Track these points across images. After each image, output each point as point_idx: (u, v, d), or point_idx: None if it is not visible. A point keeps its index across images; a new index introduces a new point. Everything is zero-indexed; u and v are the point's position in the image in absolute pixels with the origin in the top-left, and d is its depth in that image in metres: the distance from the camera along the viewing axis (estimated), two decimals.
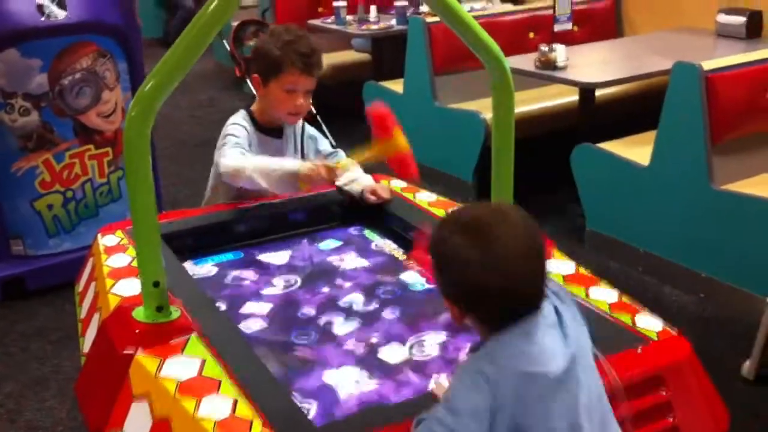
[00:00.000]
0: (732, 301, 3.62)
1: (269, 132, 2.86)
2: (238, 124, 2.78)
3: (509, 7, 5.94)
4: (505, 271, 1.44)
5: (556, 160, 4.36)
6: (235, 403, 1.66)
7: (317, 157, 2.87)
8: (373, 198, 2.73)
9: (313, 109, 4.68)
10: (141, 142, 1.82)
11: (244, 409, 1.64)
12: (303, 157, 2.91)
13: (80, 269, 2.52)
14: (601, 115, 4.66)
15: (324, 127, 4.14)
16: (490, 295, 1.45)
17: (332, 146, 3.02)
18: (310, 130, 2.98)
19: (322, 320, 2.19)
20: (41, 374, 3.30)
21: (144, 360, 1.83)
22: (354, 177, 2.78)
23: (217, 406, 1.66)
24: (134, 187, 1.86)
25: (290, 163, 2.63)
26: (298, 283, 2.40)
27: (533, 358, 1.44)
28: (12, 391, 3.21)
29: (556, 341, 1.48)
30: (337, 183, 2.75)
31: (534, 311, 1.48)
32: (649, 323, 1.98)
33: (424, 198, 2.76)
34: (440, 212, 2.62)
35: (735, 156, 3.76)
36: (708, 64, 3.64)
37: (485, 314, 1.50)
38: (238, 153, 2.65)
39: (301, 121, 2.93)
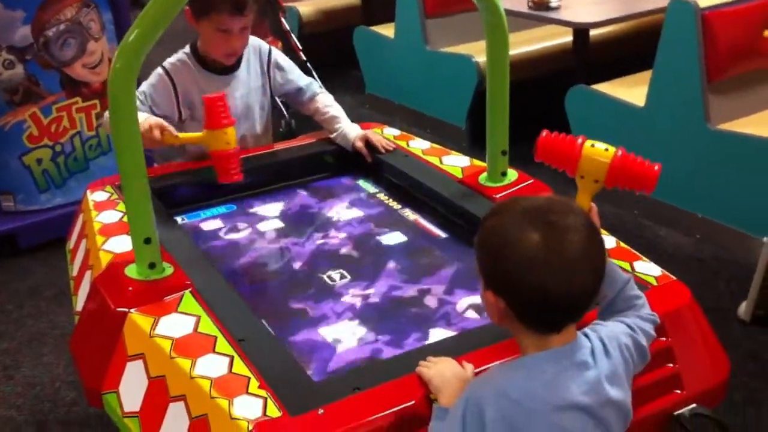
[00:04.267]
0: (728, 242, 3.61)
1: (216, 68, 2.64)
2: (160, 74, 2.58)
3: None
4: (570, 278, 1.34)
5: (550, 103, 4.31)
6: (232, 360, 1.64)
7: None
8: (363, 148, 2.65)
9: (302, 55, 4.61)
10: (126, 94, 1.77)
11: (241, 367, 1.62)
12: (270, 89, 2.77)
13: (70, 226, 2.49)
14: (595, 56, 4.60)
15: (314, 74, 4.09)
16: (545, 299, 1.34)
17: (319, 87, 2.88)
18: (278, 58, 2.78)
19: (318, 273, 2.16)
20: (37, 330, 3.29)
21: (138, 318, 1.80)
22: (339, 129, 2.72)
23: (212, 364, 1.63)
24: (121, 140, 1.81)
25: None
26: (293, 236, 2.37)
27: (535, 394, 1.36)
28: (8, 347, 3.20)
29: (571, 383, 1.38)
30: (330, 136, 2.71)
31: (573, 323, 1.41)
32: (648, 269, 1.96)
33: (418, 146, 2.72)
34: (434, 160, 2.58)
35: (731, 95, 3.72)
36: (704, 2, 3.59)
37: (531, 316, 1.39)
38: None
39: (267, 48, 2.75)
